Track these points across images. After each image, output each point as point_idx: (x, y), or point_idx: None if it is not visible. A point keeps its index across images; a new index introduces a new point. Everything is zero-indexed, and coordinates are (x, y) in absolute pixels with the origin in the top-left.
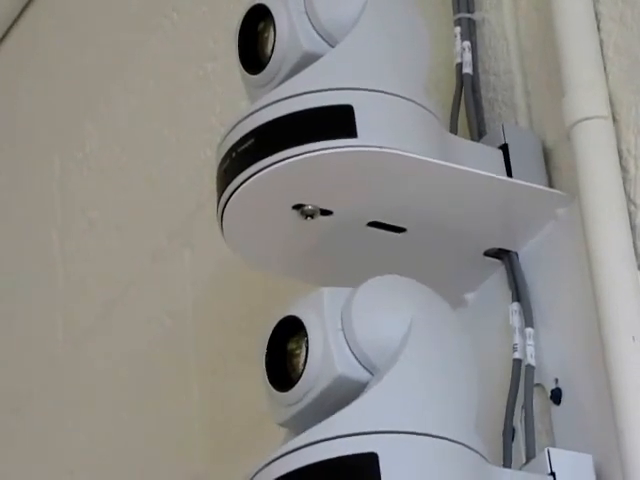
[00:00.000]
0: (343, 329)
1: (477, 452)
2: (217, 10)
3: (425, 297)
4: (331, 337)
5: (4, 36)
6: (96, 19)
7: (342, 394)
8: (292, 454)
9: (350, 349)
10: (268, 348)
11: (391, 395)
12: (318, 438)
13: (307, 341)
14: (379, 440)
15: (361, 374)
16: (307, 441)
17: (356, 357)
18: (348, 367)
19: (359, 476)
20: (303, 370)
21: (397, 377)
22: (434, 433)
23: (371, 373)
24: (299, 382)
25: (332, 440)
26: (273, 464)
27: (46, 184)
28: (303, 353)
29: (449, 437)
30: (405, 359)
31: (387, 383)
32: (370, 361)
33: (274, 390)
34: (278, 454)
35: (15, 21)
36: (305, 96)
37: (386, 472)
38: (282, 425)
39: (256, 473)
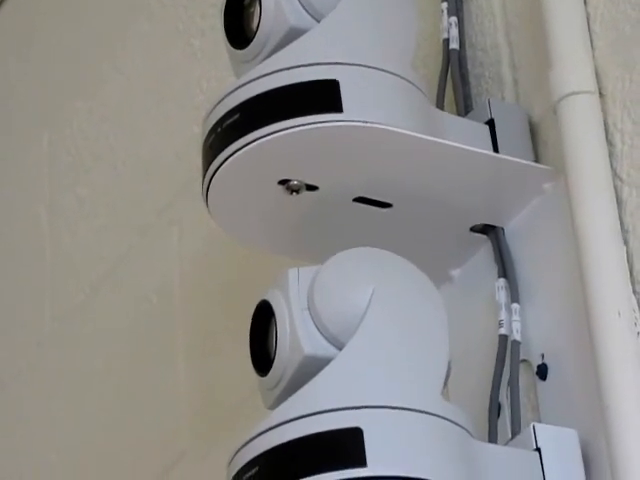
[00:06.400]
0: (309, 308)
1: (462, 427)
2: None
3: (390, 267)
4: (297, 317)
5: None
6: None
7: (316, 373)
8: (274, 430)
9: (317, 327)
10: (251, 334)
11: (352, 367)
12: (300, 413)
13: (275, 324)
14: (363, 415)
15: (330, 352)
16: (289, 417)
17: (323, 335)
18: (316, 346)
19: (343, 451)
20: (275, 353)
21: (355, 349)
22: (418, 408)
23: (340, 349)
24: (273, 366)
25: (315, 415)
26: (256, 439)
27: (35, 161)
28: (274, 336)
29: (434, 412)
30: (364, 331)
31: (346, 356)
32: (336, 337)
33: (258, 375)
34: (260, 430)
35: None
36: (291, 71)
37: (370, 447)
38: (271, 409)
39: (238, 450)
